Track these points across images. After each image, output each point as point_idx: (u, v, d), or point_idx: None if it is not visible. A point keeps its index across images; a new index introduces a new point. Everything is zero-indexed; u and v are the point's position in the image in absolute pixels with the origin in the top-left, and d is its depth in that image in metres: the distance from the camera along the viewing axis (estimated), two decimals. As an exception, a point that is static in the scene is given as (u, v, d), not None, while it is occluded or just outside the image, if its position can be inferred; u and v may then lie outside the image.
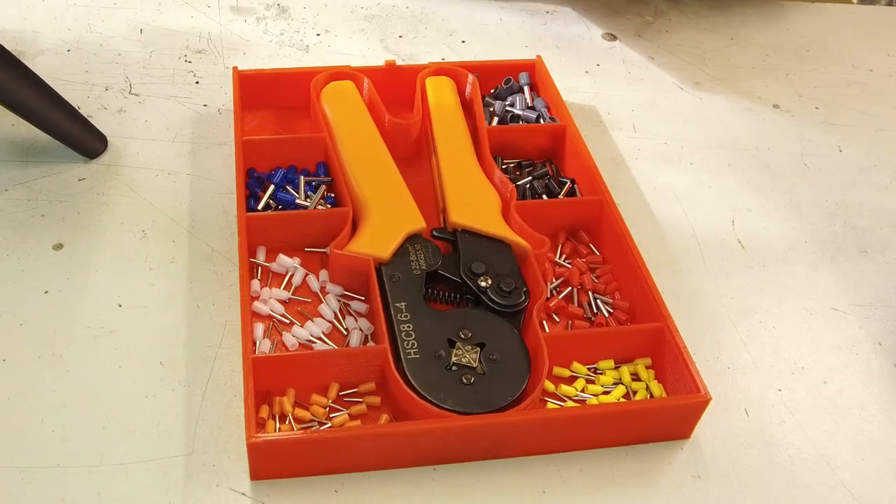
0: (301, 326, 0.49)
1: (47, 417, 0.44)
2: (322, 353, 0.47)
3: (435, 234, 0.53)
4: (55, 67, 0.66)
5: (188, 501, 0.42)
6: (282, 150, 0.58)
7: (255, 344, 0.47)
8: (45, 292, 0.50)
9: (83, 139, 0.58)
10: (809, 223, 0.61)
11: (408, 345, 0.46)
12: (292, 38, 0.73)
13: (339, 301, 0.51)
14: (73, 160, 0.58)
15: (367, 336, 0.49)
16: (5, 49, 0.53)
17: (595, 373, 0.49)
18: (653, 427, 0.46)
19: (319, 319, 0.50)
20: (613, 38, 0.78)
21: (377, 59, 0.71)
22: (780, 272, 0.57)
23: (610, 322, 0.52)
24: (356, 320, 0.50)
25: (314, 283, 0.52)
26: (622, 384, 0.49)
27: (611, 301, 0.53)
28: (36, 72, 0.55)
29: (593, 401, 0.48)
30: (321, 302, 0.51)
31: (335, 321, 0.50)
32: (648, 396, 0.48)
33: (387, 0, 0.79)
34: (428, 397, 0.44)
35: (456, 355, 0.46)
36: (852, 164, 0.67)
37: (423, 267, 0.50)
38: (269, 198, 0.55)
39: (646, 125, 0.68)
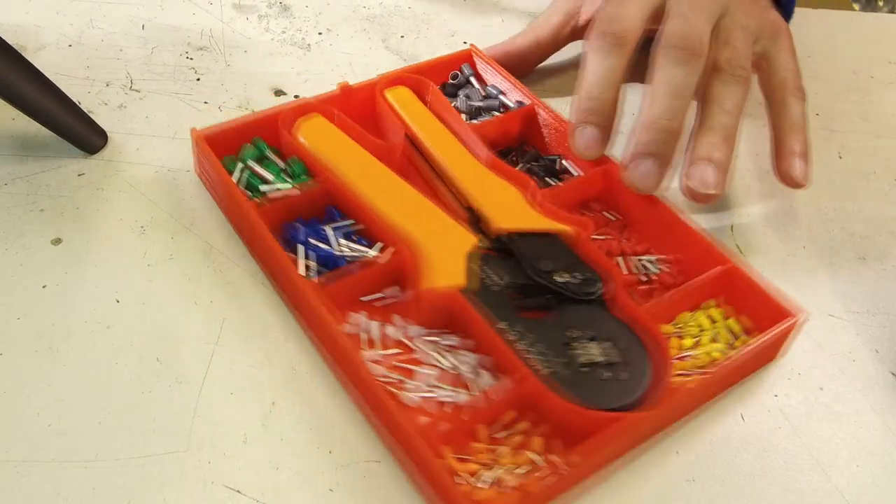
0: (414, 381, 0.46)
1: (43, 412, 0.44)
2: (471, 401, 0.45)
3: (484, 245, 0.51)
4: (56, 62, 0.66)
5: (183, 498, 0.42)
6: (283, 203, 0.53)
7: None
8: (43, 287, 0.50)
9: (83, 134, 0.58)
10: (808, 229, 0.61)
11: (534, 362, 0.45)
12: (294, 37, 0.73)
13: (431, 342, 0.48)
14: (72, 155, 0.58)
15: (476, 368, 0.47)
16: (7, 43, 0.53)
17: (678, 328, 0.51)
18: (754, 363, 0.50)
19: (425, 367, 0.47)
20: (615, 41, 0.78)
21: (379, 58, 0.71)
22: (777, 278, 0.57)
23: (665, 279, 0.53)
24: (458, 356, 0.47)
25: (395, 332, 0.48)
26: (706, 330, 0.50)
27: (654, 258, 0.54)
28: (37, 66, 0.55)
29: (704, 356, 0.49)
30: (412, 350, 0.48)
31: (439, 363, 0.47)
32: (732, 335, 0.50)
33: (389, 0, 0.79)
34: (598, 405, 0.43)
35: (582, 355, 0.45)
36: (852, 170, 0.67)
37: (498, 280, 0.49)
38: (308, 259, 0.50)
39: (646, 129, 0.68)
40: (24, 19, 0.70)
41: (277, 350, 0.48)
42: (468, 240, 0.51)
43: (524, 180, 0.55)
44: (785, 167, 0.56)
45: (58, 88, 0.56)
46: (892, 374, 0.52)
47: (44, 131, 0.58)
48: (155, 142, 0.60)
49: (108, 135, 0.60)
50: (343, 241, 0.51)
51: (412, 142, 0.59)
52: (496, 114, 0.63)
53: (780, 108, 0.57)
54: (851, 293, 0.56)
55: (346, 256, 0.51)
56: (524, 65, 0.68)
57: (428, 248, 0.50)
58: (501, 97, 0.64)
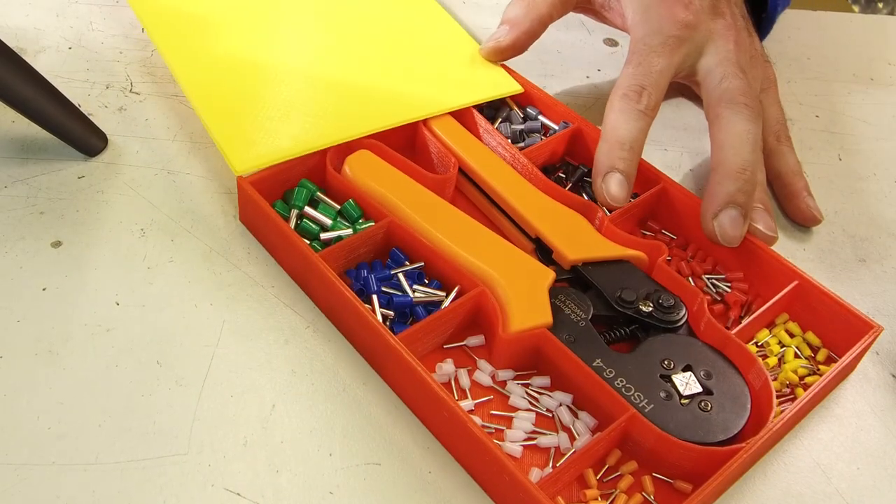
0: (511, 429, 0.45)
1: (43, 415, 0.44)
2: (574, 444, 0.44)
3: (562, 278, 0.51)
4: (56, 65, 0.66)
5: (183, 500, 0.42)
6: (344, 247, 0.51)
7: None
8: (43, 289, 0.50)
9: (83, 137, 0.58)
10: (808, 231, 0.61)
11: (635, 398, 0.44)
12: (294, 39, 0.73)
13: (521, 386, 0.47)
14: (72, 158, 0.58)
15: (574, 409, 0.47)
16: (7, 46, 0.53)
17: (758, 346, 0.51)
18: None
19: (521, 413, 0.46)
20: (615, 43, 0.78)
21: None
22: (778, 280, 0.57)
23: (737, 297, 0.53)
24: (553, 398, 0.47)
25: (484, 378, 0.47)
26: (788, 346, 0.51)
27: (724, 276, 0.54)
28: (37, 69, 0.55)
29: (791, 374, 0.49)
30: (503, 396, 0.47)
31: (536, 408, 0.46)
32: (811, 349, 0.51)
33: (389, 2, 0.79)
34: (706, 439, 0.43)
35: (682, 388, 0.45)
36: (851, 172, 0.67)
37: (584, 315, 0.48)
38: (381, 307, 0.49)
39: (646, 131, 0.68)
40: (24, 22, 0.70)
41: (277, 352, 0.48)
42: (546, 274, 0.49)
43: (589, 206, 0.54)
44: (802, 206, 0.61)
45: (58, 91, 0.56)
46: (893, 375, 0.52)
47: (44, 134, 0.58)
48: (155, 144, 0.60)
49: (108, 137, 0.60)
50: (417, 287, 0.49)
51: (464, 173, 0.57)
52: (537, 135, 0.61)
53: (778, 157, 0.63)
54: (851, 295, 0.56)
55: (423, 302, 0.49)
56: (525, 47, 0.66)
57: (508, 287, 0.48)
58: (541, 118, 0.62)
